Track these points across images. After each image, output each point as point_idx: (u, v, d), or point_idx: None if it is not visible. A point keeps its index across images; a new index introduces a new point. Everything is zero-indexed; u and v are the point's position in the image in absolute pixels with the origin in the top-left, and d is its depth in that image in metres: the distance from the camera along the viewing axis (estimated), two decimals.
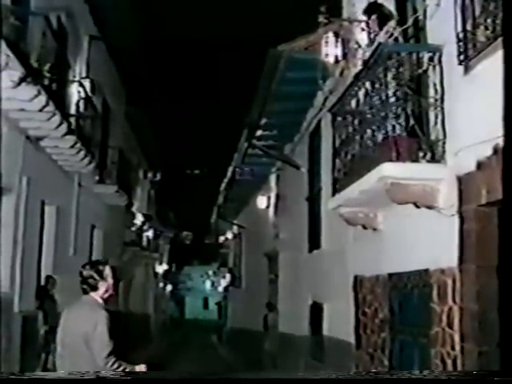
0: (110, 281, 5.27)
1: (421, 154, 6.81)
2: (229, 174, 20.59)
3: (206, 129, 33.71)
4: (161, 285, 41.23)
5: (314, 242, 13.02)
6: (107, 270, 5.29)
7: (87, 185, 15.94)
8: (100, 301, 5.22)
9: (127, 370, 5.03)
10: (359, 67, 8.56)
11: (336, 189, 8.71)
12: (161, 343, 30.43)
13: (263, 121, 13.74)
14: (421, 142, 6.84)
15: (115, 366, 4.94)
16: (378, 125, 7.19)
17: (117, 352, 5.04)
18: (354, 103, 8.14)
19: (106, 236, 18.88)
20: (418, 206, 7.04)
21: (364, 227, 8.96)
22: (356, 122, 8.07)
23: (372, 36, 8.89)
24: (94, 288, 5.20)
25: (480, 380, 3.19)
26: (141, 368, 5.25)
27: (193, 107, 33.68)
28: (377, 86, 7.25)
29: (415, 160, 6.81)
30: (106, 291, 5.25)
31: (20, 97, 9.52)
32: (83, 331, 4.96)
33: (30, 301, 11.03)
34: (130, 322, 22.52)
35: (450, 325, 6.43)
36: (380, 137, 7.15)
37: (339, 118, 8.69)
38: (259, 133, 14.45)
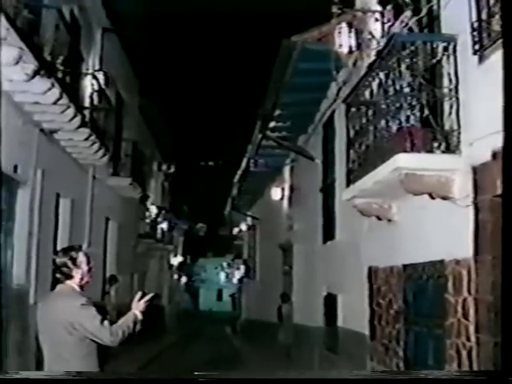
0: (85, 267, 5.05)
1: (435, 145, 6.78)
2: (243, 165, 20.57)
3: (220, 120, 33.71)
4: (175, 277, 41.35)
5: (329, 233, 13.01)
6: (81, 257, 5.06)
7: (101, 177, 16.00)
8: (77, 288, 5.03)
9: (128, 323, 4.94)
10: (373, 57, 8.52)
11: (350, 180, 8.69)
12: (175, 334, 30.51)
13: (277, 112, 13.71)
14: (435, 132, 6.81)
15: (119, 332, 4.84)
16: (392, 115, 7.16)
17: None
18: (367, 94, 8.11)
19: (121, 228, 18.96)
20: (432, 197, 7.02)
21: (378, 218, 8.94)
22: (370, 112, 8.04)
23: (386, 26, 8.86)
24: (69, 276, 5.01)
25: (480, 380, 3.20)
26: (139, 307, 5.06)
27: (206, 99, 33.67)
28: (391, 76, 7.22)
29: (430, 150, 6.77)
30: (82, 279, 5.04)
31: (34, 90, 9.55)
32: (65, 320, 4.80)
33: (45, 293, 11.09)
34: (144, 314, 22.59)
35: (466, 316, 6.41)
36: (394, 127, 7.12)
37: (353, 109, 8.66)
38: (273, 124, 14.43)
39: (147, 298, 5.14)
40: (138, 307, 5.07)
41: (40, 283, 10.88)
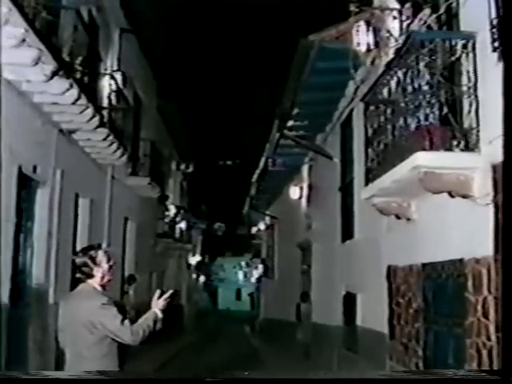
0: (105, 266, 5.06)
1: (454, 143, 6.74)
2: (261, 164, 20.55)
3: (238, 120, 33.73)
4: (194, 276, 41.47)
5: (347, 232, 12.98)
6: (100, 255, 5.06)
7: (120, 177, 16.07)
8: (98, 288, 5.06)
9: (148, 322, 4.95)
10: (391, 56, 8.49)
11: (369, 178, 8.66)
12: (194, 334, 30.58)
13: (295, 111, 13.69)
14: (454, 130, 6.77)
15: (139, 331, 4.86)
16: (411, 113, 7.13)
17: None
18: (386, 92, 8.08)
19: (139, 228, 19.03)
20: (452, 196, 6.98)
21: (397, 217, 8.90)
22: (388, 111, 8.01)
23: (404, 24, 8.83)
24: (90, 275, 5.02)
25: (480, 380, 3.19)
26: (159, 305, 5.08)
27: (224, 98, 33.71)
28: (409, 74, 7.19)
29: (449, 149, 6.74)
30: (103, 277, 5.06)
31: (52, 90, 9.61)
32: (86, 320, 4.82)
33: (64, 292, 11.17)
34: (163, 313, 22.65)
35: (486, 315, 6.37)
36: (413, 125, 7.09)
37: (371, 108, 8.63)
38: (291, 123, 14.40)
39: (166, 295, 5.16)
40: (157, 305, 5.08)
41: (59, 283, 10.96)
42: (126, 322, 4.87)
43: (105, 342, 4.88)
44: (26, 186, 10.09)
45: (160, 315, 5.04)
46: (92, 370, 4.79)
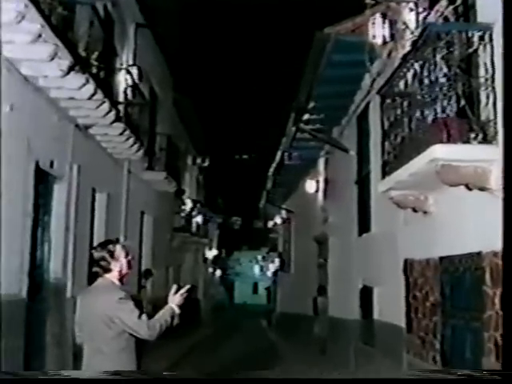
0: (123, 260, 5.08)
1: (472, 135, 6.70)
2: (277, 158, 20.52)
3: (254, 113, 33.70)
4: (210, 270, 41.56)
5: (364, 226, 12.95)
6: (118, 250, 5.08)
7: (136, 172, 16.13)
8: (116, 282, 5.07)
9: (166, 317, 4.96)
10: (407, 48, 8.45)
11: (385, 172, 8.63)
12: (210, 328, 30.66)
13: (311, 104, 13.66)
14: (472, 122, 6.73)
15: (156, 326, 4.88)
16: (428, 106, 7.09)
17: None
18: (402, 85, 8.04)
19: (156, 222, 19.10)
20: (469, 188, 6.94)
21: (414, 210, 8.87)
22: (405, 103, 7.98)
23: (421, 16, 8.77)
24: (107, 270, 5.04)
25: (480, 380, 3.28)
26: (176, 300, 5.08)
27: (240, 92, 33.69)
28: (426, 66, 7.15)
29: (466, 141, 6.70)
30: (121, 271, 5.08)
31: (69, 85, 9.65)
32: (104, 315, 4.85)
33: (82, 286, 11.25)
34: (181, 307, 22.73)
35: None
36: (430, 118, 7.06)
37: (388, 100, 8.60)
38: (307, 116, 14.36)
39: (183, 290, 5.17)
40: (174, 300, 5.10)
41: (77, 277, 11.03)
42: (143, 316, 4.89)
43: (123, 337, 4.91)
44: (43, 181, 10.15)
45: (177, 310, 5.05)
46: (110, 367, 4.82)
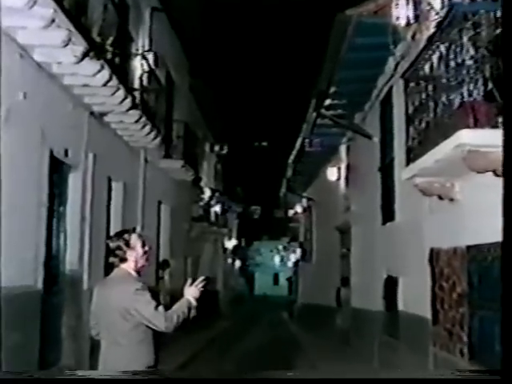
0: (139, 250, 5.13)
1: (500, 120, 6.62)
2: (297, 145, 20.48)
3: (273, 99, 33.61)
4: (229, 261, 41.68)
5: (388, 214, 12.90)
6: (134, 239, 5.15)
7: (153, 160, 16.16)
8: (133, 273, 5.13)
9: (183, 309, 5.00)
10: (432, 30, 8.36)
11: (410, 158, 8.58)
12: (230, 320, 30.76)
13: (332, 89, 13.59)
14: (500, 106, 6.65)
15: (173, 318, 4.91)
16: (454, 90, 7.02)
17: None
18: (427, 68, 7.96)
19: (174, 212, 19.15)
20: (497, 175, 6.87)
21: (440, 198, 8.81)
22: (430, 87, 7.91)
23: None
24: (123, 259, 5.09)
25: (480, 380, 3.32)
26: (191, 292, 5.14)
27: (258, 77, 33.60)
28: (452, 48, 7.07)
29: (494, 126, 6.62)
30: (137, 262, 5.13)
31: (83, 72, 9.67)
32: (120, 306, 4.90)
33: (98, 278, 11.31)
34: (199, 299, 22.83)
35: None
36: (456, 102, 6.99)
37: (412, 84, 8.53)
38: (328, 102, 14.30)
39: (197, 282, 5.21)
40: (190, 292, 5.14)
41: (93, 268, 11.09)
42: (160, 308, 4.92)
43: (140, 329, 4.95)
44: (57, 170, 10.20)
45: (194, 302, 5.10)
46: (127, 359, 4.88)
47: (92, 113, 11.36)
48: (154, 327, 4.94)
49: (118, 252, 5.11)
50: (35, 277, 9.01)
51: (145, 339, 4.99)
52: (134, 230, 5.39)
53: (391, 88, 12.28)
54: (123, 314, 4.91)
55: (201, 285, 5.19)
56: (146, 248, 5.23)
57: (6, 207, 7.89)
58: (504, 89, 3.24)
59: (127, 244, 5.11)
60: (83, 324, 9.98)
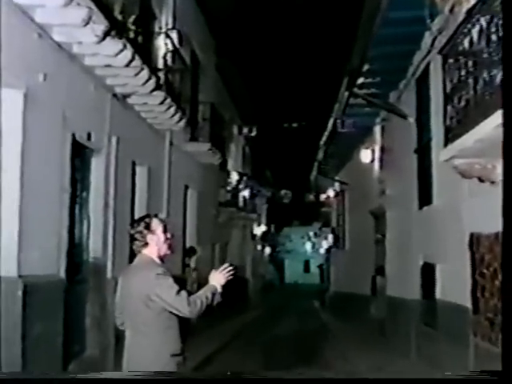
0: (161, 234, 5.19)
1: None
2: (329, 126, 20.39)
3: (304, 78, 33.39)
4: (259, 247, 41.75)
5: (425, 198, 12.81)
6: (155, 223, 5.21)
7: (179, 143, 16.18)
8: (156, 259, 5.19)
9: (206, 294, 5.04)
10: (472, 2, 8.23)
11: (448, 138, 8.49)
12: (259, 309, 30.86)
13: (365, 67, 13.50)
14: None
15: (197, 303, 4.95)
16: (496, 65, 6.91)
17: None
18: (467, 43, 7.85)
19: (200, 197, 19.19)
20: None
21: (480, 180, 8.70)
22: (470, 63, 7.80)
23: None
24: (144, 244, 5.16)
25: (480, 380, 3.41)
26: (217, 278, 5.18)
27: (288, 55, 33.42)
28: (494, 21, 6.95)
29: None
30: (159, 247, 5.19)
31: (105, 52, 9.65)
32: (142, 294, 4.96)
33: (123, 266, 11.36)
34: (227, 287, 22.92)
35: None
36: (498, 79, 6.87)
37: (450, 60, 8.42)
38: (361, 80, 14.22)
39: (223, 267, 5.24)
40: (215, 279, 5.17)
41: (118, 256, 11.14)
42: (183, 292, 4.98)
43: (163, 316, 5.00)
44: (80, 154, 10.24)
45: (219, 289, 5.13)
46: (152, 348, 4.95)
47: (115, 95, 11.37)
48: (176, 312, 4.99)
49: (138, 236, 5.19)
50: (58, 265, 9.08)
51: (169, 327, 5.04)
52: (155, 215, 5.45)
53: (428, 65, 12.15)
54: (145, 301, 4.96)
55: (227, 271, 5.20)
56: (169, 235, 5.28)
57: (28, 194, 7.97)
58: (504, 89, 3.21)
59: (147, 227, 5.18)
60: (108, 314, 10.06)
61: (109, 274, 10.96)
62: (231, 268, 5.25)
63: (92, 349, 10.52)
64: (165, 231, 5.25)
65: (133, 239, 5.23)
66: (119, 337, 5.57)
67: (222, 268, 5.23)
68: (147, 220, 5.26)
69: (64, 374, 4.60)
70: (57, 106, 9.02)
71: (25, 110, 7.97)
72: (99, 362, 10.44)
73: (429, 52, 11.78)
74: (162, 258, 5.24)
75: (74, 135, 9.65)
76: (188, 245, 17.58)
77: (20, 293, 7.70)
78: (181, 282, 5.16)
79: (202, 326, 15.02)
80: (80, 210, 10.45)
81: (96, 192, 10.85)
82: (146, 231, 5.16)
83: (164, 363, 4.94)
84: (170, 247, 5.29)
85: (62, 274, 9.20)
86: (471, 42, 7.73)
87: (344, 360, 13.81)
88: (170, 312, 4.98)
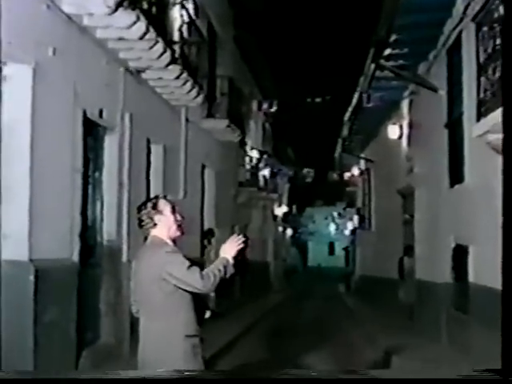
0: (169, 215, 5.27)
1: None
2: (354, 101, 20.29)
3: (327, 50, 33.23)
4: (280, 229, 41.77)
5: (456, 176, 12.71)
6: (162, 203, 5.30)
7: (195, 120, 16.17)
8: (168, 241, 5.25)
9: (218, 266, 5.06)
10: None
11: (481, 112, 8.42)
12: (281, 294, 30.96)
13: (392, 37, 13.37)
14: None
15: (210, 276, 4.97)
16: None
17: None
18: (502, 9, 7.75)
19: (219, 176, 19.19)
20: None
21: None
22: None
23: None
24: (153, 225, 5.24)
25: (480, 380, 3.50)
26: (228, 250, 5.20)
27: (310, 26, 33.25)
28: None
29: None
30: (169, 228, 5.26)
31: (117, 24, 9.62)
32: (153, 274, 5.03)
33: (139, 249, 11.39)
34: (248, 271, 22.98)
35: None
36: None
37: (484, 28, 8.33)
38: (388, 51, 14.10)
39: (232, 238, 5.28)
40: (225, 251, 5.20)
41: (133, 239, 11.14)
42: (195, 267, 5.03)
43: (176, 296, 5.06)
44: (92, 132, 10.25)
45: (231, 260, 5.16)
46: (167, 332, 5.01)
47: (128, 69, 11.35)
48: (189, 288, 5.03)
49: (146, 218, 5.28)
50: (70, 249, 9.11)
51: (183, 308, 5.10)
52: (164, 197, 5.54)
53: (460, 34, 12.01)
54: (157, 282, 5.03)
55: (237, 241, 5.24)
56: (178, 216, 5.34)
57: (38, 174, 7.98)
58: (504, 89, 3.19)
59: (154, 207, 5.27)
60: (123, 299, 10.11)
61: (124, 257, 10.99)
62: (241, 237, 5.29)
63: (107, 336, 10.59)
64: (173, 212, 5.32)
65: (141, 221, 5.32)
66: (135, 323, 5.59)
67: (231, 239, 5.28)
68: (154, 201, 5.36)
69: (68, 374, 4.62)
70: (67, 82, 9.02)
71: (34, 86, 7.97)
72: (114, 350, 10.51)
73: (461, 20, 11.65)
74: (173, 241, 5.32)
75: (85, 112, 9.64)
76: (206, 227, 17.61)
77: (31, 277, 7.75)
78: (199, 265, 5.17)
79: (222, 310, 15.13)
80: (93, 191, 10.47)
81: (109, 172, 10.86)
82: (153, 211, 5.25)
83: (178, 345, 5.01)
84: (180, 229, 5.34)
85: (75, 257, 9.23)
86: None
87: (372, 345, 13.82)
88: (184, 290, 5.04)
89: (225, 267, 5.07)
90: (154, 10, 10.70)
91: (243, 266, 5.30)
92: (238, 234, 5.39)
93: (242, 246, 5.22)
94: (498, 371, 3.50)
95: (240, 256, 5.22)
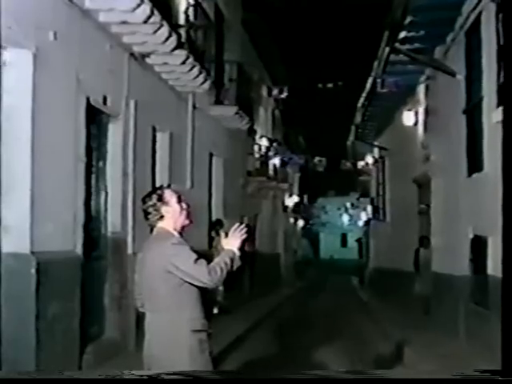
0: (175, 205, 5.28)
1: None
2: (368, 86, 20.25)
3: (339, 33, 33.10)
4: (291, 220, 41.76)
5: (475, 164, 12.67)
6: (167, 193, 5.31)
7: (203, 107, 16.14)
8: (174, 232, 5.26)
9: (225, 259, 5.06)
10: None
11: (502, 98, 8.34)
12: (292, 287, 31.00)
13: (408, 19, 13.30)
14: None
15: (217, 269, 4.98)
16: None
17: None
18: None
19: (227, 165, 19.18)
20: None
21: None
22: None
23: None
24: (160, 217, 5.26)
25: (480, 380, 3.58)
26: (232, 242, 5.21)
27: (322, 8, 33.11)
28: None
29: None
30: (175, 220, 5.27)
31: (121, 7, 9.61)
32: (159, 267, 5.04)
33: (144, 241, 11.38)
34: (258, 263, 22.98)
35: None
36: None
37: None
38: (403, 34, 14.02)
39: (234, 228, 5.27)
40: (229, 243, 5.21)
41: (138, 230, 11.13)
42: (202, 260, 5.03)
43: (182, 290, 5.07)
44: (95, 120, 10.24)
45: (237, 252, 5.16)
46: (172, 327, 5.03)
47: (132, 54, 11.33)
48: (196, 282, 5.04)
49: (152, 210, 5.29)
50: (74, 241, 9.12)
51: (189, 302, 5.11)
52: (168, 186, 5.66)
53: (479, 15, 11.94)
54: (162, 274, 5.04)
55: (239, 232, 5.24)
56: (184, 205, 5.35)
57: (40, 164, 7.98)
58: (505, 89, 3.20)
59: (160, 199, 5.27)
60: (128, 292, 10.11)
61: (129, 250, 11.00)
62: (242, 227, 5.29)
63: (111, 331, 10.60)
64: (179, 202, 5.33)
65: (147, 214, 5.33)
66: (140, 318, 5.59)
67: (232, 230, 5.28)
68: (159, 192, 5.36)
69: (67, 375, 4.62)
70: (69, 68, 9.00)
71: (35, 71, 7.96)
72: (119, 345, 10.52)
73: (480, 0, 11.58)
74: (180, 231, 5.32)
75: (88, 99, 9.62)
76: (214, 218, 17.61)
77: (33, 270, 7.75)
78: (206, 258, 5.17)
79: (231, 305, 15.15)
80: (96, 181, 10.47)
81: (113, 161, 10.85)
82: (159, 203, 5.26)
83: (184, 340, 5.03)
84: (188, 217, 5.36)
85: (79, 249, 9.24)
86: None
87: (388, 342, 13.82)
88: (190, 284, 5.05)
89: (231, 260, 5.08)
90: None
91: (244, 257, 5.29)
92: (240, 224, 5.38)
93: (245, 236, 5.22)
94: (498, 372, 3.55)
95: (244, 246, 5.24)
